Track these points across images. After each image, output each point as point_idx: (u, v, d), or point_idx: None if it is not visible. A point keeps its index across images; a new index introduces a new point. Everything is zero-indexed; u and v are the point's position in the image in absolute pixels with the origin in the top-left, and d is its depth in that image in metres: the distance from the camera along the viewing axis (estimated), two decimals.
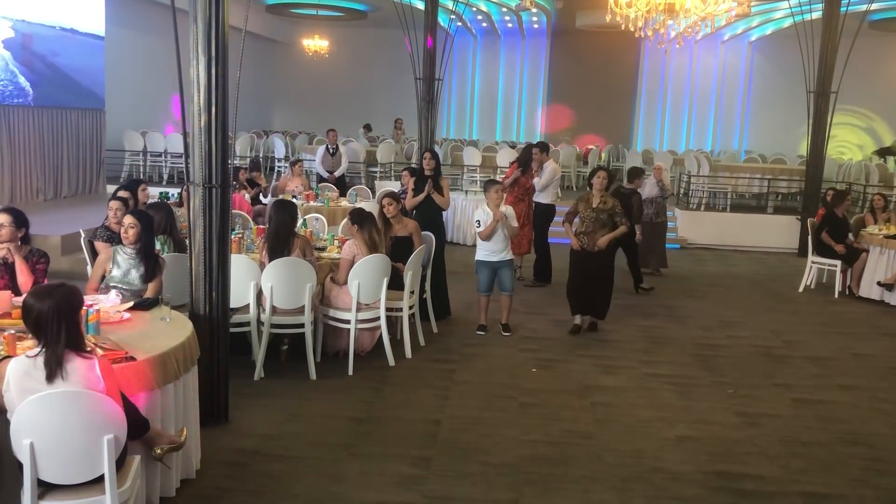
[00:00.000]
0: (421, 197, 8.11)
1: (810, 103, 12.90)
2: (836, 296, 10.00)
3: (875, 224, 10.38)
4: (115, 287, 5.16)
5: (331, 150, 13.08)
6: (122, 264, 5.31)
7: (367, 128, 20.31)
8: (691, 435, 5.42)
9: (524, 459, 4.92)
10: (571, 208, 7.71)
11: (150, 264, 5.31)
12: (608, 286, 7.77)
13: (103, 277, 5.38)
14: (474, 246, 12.58)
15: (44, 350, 3.25)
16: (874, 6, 13.29)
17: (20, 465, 3.18)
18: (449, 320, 7.99)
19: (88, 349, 3.49)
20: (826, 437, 5.47)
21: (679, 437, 5.38)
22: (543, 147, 10.06)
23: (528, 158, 9.69)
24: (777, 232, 13.55)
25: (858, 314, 9.24)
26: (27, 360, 3.27)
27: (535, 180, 9.72)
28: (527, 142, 19.32)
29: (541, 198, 9.82)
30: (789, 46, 13.97)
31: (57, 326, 3.25)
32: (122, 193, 7.23)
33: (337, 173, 12.98)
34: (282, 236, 6.24)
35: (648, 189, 10.75)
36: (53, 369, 3.23)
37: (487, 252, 7.52)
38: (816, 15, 12.90)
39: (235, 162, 13.29)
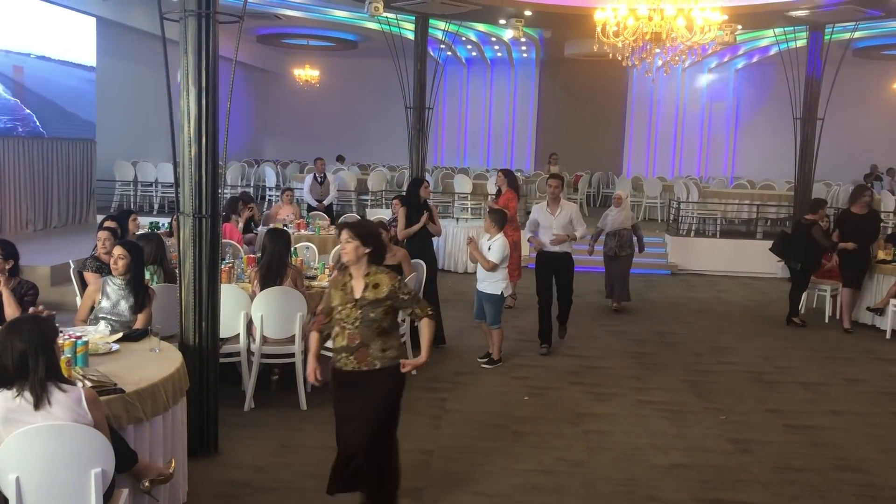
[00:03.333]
0: (417, 227, 8.15)
1: (797, 130, 13.03)
2: (827, 321, 10.03)
3: None
4: (104, 318, 5.13)
5: (319, 179, 13.09)
6: (112, 295, 5.29)
7: (340, 159, 20.46)
8: (684, 462, 5.39)
9: (517, 489, 4.88)
10: (324, 303, 4.41)
11: (140, 295, 5.29)
12: (386, 451, 4.33)
13: (92, 308, 5.35)
14: (465, 273, 12.72)
15: (25, 385, 3.22)
16: (857, 34, 13.48)
17: (5, 500, 3.14)
18: (441, 349, 7.95)
19: (73, 381, 3.46)
20: (819, 463, 5.46)
21: (672, 464, 5.36)
22: (560, 180, 8.27)
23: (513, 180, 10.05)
24: (767, 257, 13.49)
25: (849, 339, 9.25)
26: (11, 395, 3.23)
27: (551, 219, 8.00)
28: (500, 167, 19.40)
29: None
30: (775, 74, 14.14)
31: (35, 358, 3.23)
32: (109, 224, 7.21)
33: (326, 202, 13.00)
34: (275, 266, 6.23)
35: (611, 221, 10.22)
36: (39, 395, 3.20)
37: (477, 279, 7.55)
38: (801, 43, 13.09)
39: (226, 192, 13.30)
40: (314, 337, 4.40)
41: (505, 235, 7.42)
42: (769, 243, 13.69)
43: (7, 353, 3.25)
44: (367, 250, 4.20)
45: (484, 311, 7.49)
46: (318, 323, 4.37)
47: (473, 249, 7.34)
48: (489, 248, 7.29)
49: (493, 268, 7.23)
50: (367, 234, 4.23)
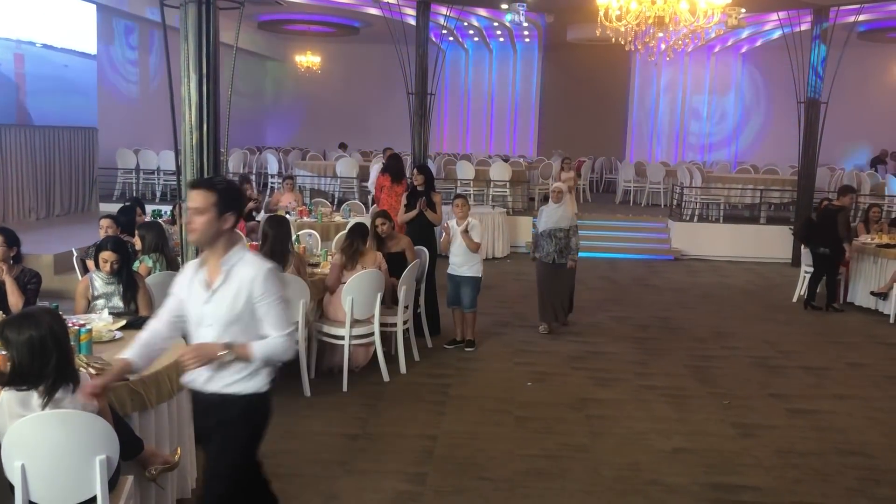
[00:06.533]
0: (412, 214, 8.08)
1: (801, 113, 12.98)
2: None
3: (868, 234, 10.40)
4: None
5: None
6: (101, 289, 5.15)
7: (343, 146, 20.45)
8: (687, 447, 5.41)
9: (520, 474, 4.90)
10: None
11: (132, 286, 5.17)
12: None
13: (88, 304, 5.27)
14: None
15: (38, 386, 3.16)
16: (862, 17, 13.40)
17: (11, 487, 3.16)
18: (443, 335, 7.94)
19: (77, 372, 3.45)
20: (822, 448, 5.47)
21: (675, 449, 5.37)
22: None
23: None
24: (770, 242, 13.58)
25: (852, 324, 9.25)
26: (20, 394, 3.19)
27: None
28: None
29: None
30: (779, 57, 14.08)
31: (49, 359, 3.15)
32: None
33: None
34: (277, 253, 6.22)
35: (545, 219, 8.09)
36: (51, 396, 3.15)
37: (450, 265, 7.56)
38: (805, 26, 13.02)
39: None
40: None
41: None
42: (773, 228, 13.77)
43: (26, 351, 3.14)
44: None
45: (459, 298, 7.50)
46: None
47: (465, 238, 7.30)
48: (466, 232, 7.35)
49: (477, 248, 7.35)
50: None
